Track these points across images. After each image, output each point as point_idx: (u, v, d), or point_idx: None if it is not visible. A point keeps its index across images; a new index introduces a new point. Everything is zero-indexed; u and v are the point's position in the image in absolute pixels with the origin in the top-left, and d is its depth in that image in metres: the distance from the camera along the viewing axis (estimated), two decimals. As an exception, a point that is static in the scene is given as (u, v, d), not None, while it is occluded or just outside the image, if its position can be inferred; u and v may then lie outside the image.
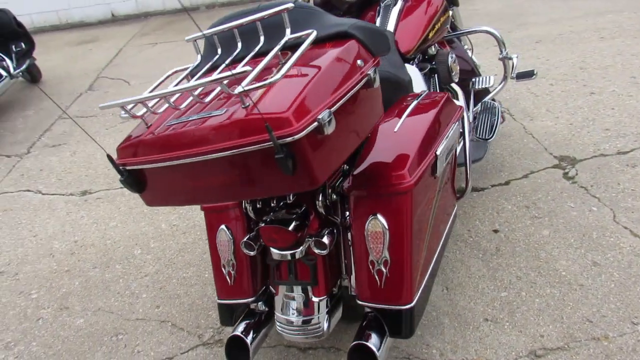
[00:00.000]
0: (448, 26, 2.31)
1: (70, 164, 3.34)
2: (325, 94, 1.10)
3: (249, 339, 1.50)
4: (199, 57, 1.40)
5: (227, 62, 1.30)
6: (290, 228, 1.35)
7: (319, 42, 1.29)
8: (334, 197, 1.38)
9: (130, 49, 5.83)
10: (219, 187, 1.13)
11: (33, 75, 4.92)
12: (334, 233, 1.39)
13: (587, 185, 2.32)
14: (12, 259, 2.40)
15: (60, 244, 2.47)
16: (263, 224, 1.38)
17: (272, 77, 1.04)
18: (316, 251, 1.35)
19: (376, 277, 1.34)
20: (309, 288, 1.42)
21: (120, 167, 1.20)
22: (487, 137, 2.33)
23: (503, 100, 3.23)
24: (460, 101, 2.34)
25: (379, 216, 1.31)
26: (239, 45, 1.33)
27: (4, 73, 4.17)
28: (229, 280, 1.57)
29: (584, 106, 3.03)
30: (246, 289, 1.54)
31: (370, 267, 1.34)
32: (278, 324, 1.46)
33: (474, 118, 2.46)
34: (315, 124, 1.02)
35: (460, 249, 2.06)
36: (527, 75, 2.54)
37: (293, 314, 1.43)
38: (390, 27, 2.11)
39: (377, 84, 1.27)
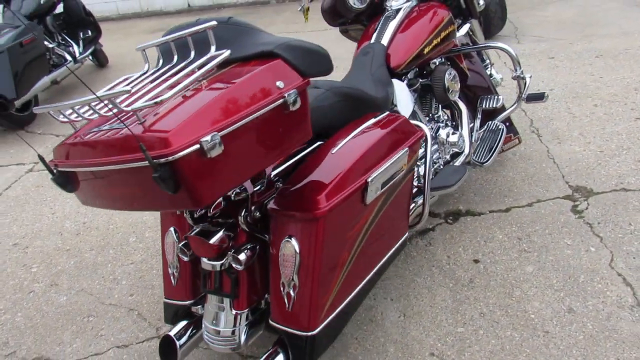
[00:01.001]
0: (453, 40, 2.19)
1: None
2: (220, 116, 1.09)
3: (181, 341, 1.55)
4: (147, 65, 1.45)
5: (157, 74, 1.33)
6: (213, 240, 1.37)
7: (245, 61, 1.29)
8: (257, 214, 1.38)
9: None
10: (120, 197, 1.17)
11: (100, 61, 5.29)
12: (256, 249, 1.39)
13: (593, 222, 2.13)
14: (28, 233, 2.62)
15: (71, 224, 2.67)
16: (191, 233, 1.42)
17: (163, 96, 1.07)
18: (233, 265, 1.36)
19: (285, 299, 1.33)
20: (230, 300, 1.44)
21: (52, 167, 1.27)
22: (482, 161, 2.20)
23: (536, 119, 3.03)
24: (463, 120, 2.24)
25: (293, 240, 1.30)
26: (175, 58, 1.36)
27: (69, 57, 4.52)
28: (172, 281, 1.62)
29: (623, 132, 2.76)
30: (185, 292, 1.59)
31: (282, 288, 1.33)
32: (204, 330, 1.49)
33: (477, 138, 2.33)
34: (197, 146, 1.02)
35: (432, 275, 1.98)
36: (538, 97, 2.36)
37: (214, 322, 1.46)
38: (385, 40, 2.05)
39: (296, 106, 1.24)
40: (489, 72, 2.58)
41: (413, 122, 1.75)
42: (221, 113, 1.10)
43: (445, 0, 2.36)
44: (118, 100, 1.10)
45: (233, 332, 1.43)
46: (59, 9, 4.68)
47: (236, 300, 1.43)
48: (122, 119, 1.15)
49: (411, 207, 1.82)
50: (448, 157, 2.19)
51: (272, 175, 1.43)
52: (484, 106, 2.37)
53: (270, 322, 1.38)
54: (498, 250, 2.06)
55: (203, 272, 1.48)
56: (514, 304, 1.80)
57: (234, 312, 1.43)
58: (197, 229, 1.43)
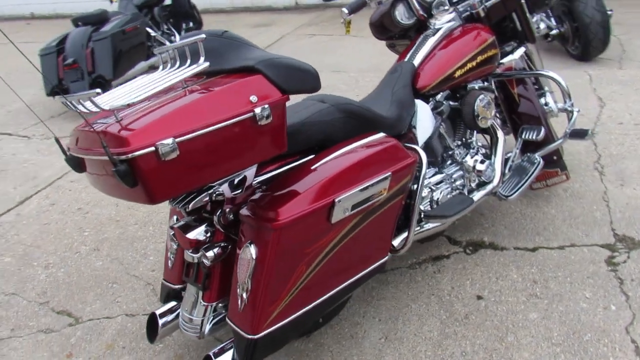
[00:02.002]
0: (494, 65, 2.10)
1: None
2: (184, 122, 1.19)
3: (164, 319, 1.69)
4: (160, 67, 1.58)
5: (152, 79, 1.44)
6: (189, 234, 1.48)
7: (229, 73, 1.37)
8: (231, 217, 1.47)
9: (291, 36, 6.32)
10: (102, 184, 1.32)
11: (201, 50, 5.69)
12: (227, 249, 1.48)
13: (626, 278, 1.94)
14: (91, 201, 2.95)
15: (128, 197, 2.96)
16: (175, 224, 1.54)
17: (133, 99, 1.19)
18: (203, 260, 1.46)
19: (239, 300, 1.40)
20: (201, 292, 1.54)
21: (66, 149, 1.46)
22: (506, 195, 2.09)
23: (605, 155, 2.77)
24: (498, 149, 2.14)
25: (252, 246, 1.37)
26: (168, 65, 1.46)
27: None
28: (169, 265, 1.76)
29: (701, 184, 2.45)
30: (177, 277, 1.72)
31: (238, 289, 1.41)
32: (180, 315, 1.62)
33: (510, 169, 2.21)
34: (152, 148, 1.13)
35: (428, 304, 1.93)
36: (580, 134, 2.18)
37: (186, 310, 1.58)
38: (418, 59, 2.02)
39: (268, 120, 1.30)
40: (544, 101, 2.42)
41: (413, 146, 1.73)
42: (185, 120, 1.19)
43: (500, 21, 2.26)
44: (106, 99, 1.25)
45: (197, 321, 1.54)
46: (168, 1, 5.13)
47: (207, 292, 1.53)
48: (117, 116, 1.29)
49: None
50: (473, 185, 2.11)
51: (253, 183, 1.50)
52: (523, 137, 2.24)
53: (227, 318, 1.46)
54: (507, 290, 1.96)
55: (185, 262, 1.61)
56: (502, 350, 1.70)
57: (203, 303, 1.54)
58: (182, 222, 1.56)
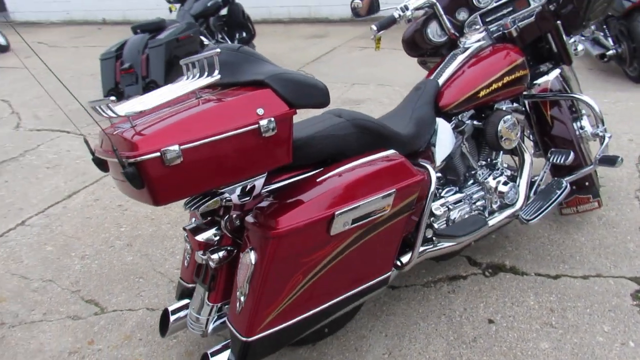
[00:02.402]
0: (523, 86, 2.06)
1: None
2: (190, 130, 1.27)
3: (175, 316, 1.78)
4: (184, 77, 1.67)
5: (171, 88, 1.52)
6: (198, 237, 1.56)
7: (242, 86, 1.44)
8: (237, 222, 1.53)
9: (342, 48, 6.39)
10: (118, 184, 1.42)
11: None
12: (232, 252, 1.54)
13: (650, 315, 1.84)
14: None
15: (165, 197, 3.10)
16: (188, 226, 1.63)
17: (146, 106, 1.28)
18: (209, 262, 1.53)
19: (237, 303, 1.46)
20: (207, 292, 1.61)
21: (93, 150, 1.58)
22: (527, 218, 2.03)
23: (648, 185, 2.64)
24: (524, 171, 2.11)
25: (252, 252, 1.42)
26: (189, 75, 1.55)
27: (222, 54, 5.12)
28: (185, 264, 1.85)
29: None
30: (189, 275, 1.80)
31: (238, 292, 1.46)
32: (188, 313, 1.70)
33: (535, 192, 2.16)
34: (158, 154, 1.21)
35: (438, 323, 1.91)
36: (609, 161, 2.09)
37: (193, 308, 1.65)
38: (443, 77, 2.02)
39: (273, 132, 1.35)
40: (579, 125, 2.34)
41: (425, 164, 1.73)
42: (192, 128, 1.27)
43: (536, 42, 2.22)
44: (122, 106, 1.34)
45: (202, 320, 1.61)
46: (224, 11, 5.34)
47: (212, 293, 1.60)
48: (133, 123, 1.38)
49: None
50: (495, 207, 2.07)
51: (262, 192, 1.55)
52: (551, 160, 2.18)
53: (226, 319, 1.52)
54: (521, 316, 1.91)
55: (196, 262, 1.69)
56: (506, 376, 1.67)
57: (208, 303, 1.60)
58: (194, 224, 1.64)
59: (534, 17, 2.11)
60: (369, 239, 1.54)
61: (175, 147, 1.22)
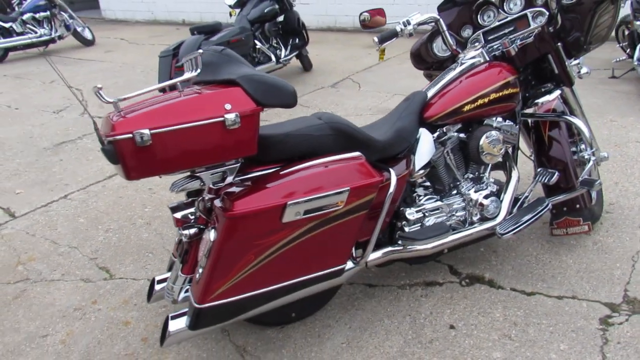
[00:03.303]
0: (512, 104, 2.10)
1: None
2: (162, 117, 1.47)
3: (160, 286, 2.00)
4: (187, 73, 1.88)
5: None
6: (177, 214, 1.77)
7: (219, 83, 1.63)
8: (208, 205, 1.72)
9: (394, 60, 6.48)
10: None
11: (305, 65, 6.12)
12: (202, 230, 1.73)
13: (612, 340, 1.84)
14: (161, 183, 3.40)
15: (191, 185, 3.37)
16: (170, 205, 1.84)
17: (129, 96, 1.51)
18: (182, 237, 1.73)
19: (197, 273, 1.64)
20: (181, 265, 1.81)
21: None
22: (501, 232, 2.07)
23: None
24: (509, 187, 2.16)
25: (213, 230, 1.61)
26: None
27: (273, 58, 5.40)
28: (176, 240, 2.07)
29: None
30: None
31: (198, 265, 1.65)
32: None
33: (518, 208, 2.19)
34: (130, 135, 1.43)
35: (401, 322, 2.00)
36: (589, 184, 2.08)
37: (170, 279, 1.86)
38: (433, 90, 2.12)
39: (236, 125, 1.53)
40: (578, 148, 2.34)
41: (390, 168, 1.84)
42: (165, 116, 1.48)
43: (540, 62, 2.26)
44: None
45: (174, 289, 1.81)
46: (280, 18, 5.61)
47: (185, 266, 1.80)
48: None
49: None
50: (475, 219, 2.14)
51: (235, 180, 1.72)
52: (537, 179, 2.20)
53: (189, 288, 1.71)
54: (483, 326, 1.96)
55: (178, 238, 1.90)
56: (449, 378, 1.74)
57: (181, 275, 1.81)
58: (176, 203, 1.85)
59: (532, 38, 2.15)
60: (323, 231, 1.68)
61: (146, 131, 1.43)
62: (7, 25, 7.86)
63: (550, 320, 1.96)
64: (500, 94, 2.07)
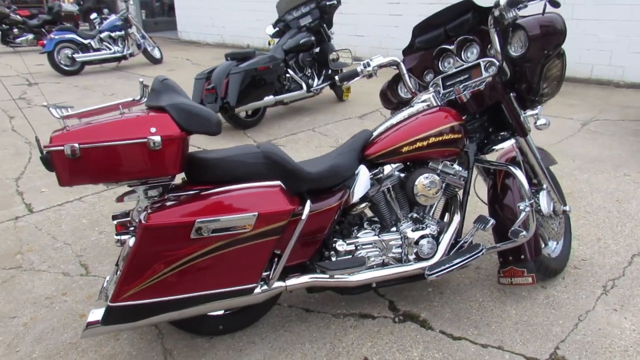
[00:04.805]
0: (455, 149, 2.15)
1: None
2: (92, 134, 1.69)
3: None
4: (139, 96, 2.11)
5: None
6: (115, 221, 1.99)
7: (154, 109, 1.83)
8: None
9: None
10: None
11: (338, 96, 6.31)
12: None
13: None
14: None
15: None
16: (114, 213, 2.06)
17: (75, 112, 1.76)
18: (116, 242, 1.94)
19: (115, 275, 1.83)
20: (116, 267, 2.01)
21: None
22: (426, 273, 2.10)
23: (635, 278, 2.47)
24: (448, 230, 2.21)
25: (133, 237, 1.80)
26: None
27: (304, 87, 5.63)
28: (131, 247, 2.28)
29: None
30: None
31: (119, 266, 1.84)
32: (110, 281, 2.12)
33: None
34: (61, 147, 1.66)
35: (320, 348, 2.08)
36: (514, 234, 2.06)
37: (108, 279, 2.06)
38: (379, 129, 2.22)
39: (158, 147, 1.72)
40: (534, 199, 2.33)
41: (307, 198, 1.95)
42: (97, 133, 1.70)
43: (496, 110, 2.29)
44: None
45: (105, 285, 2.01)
46: (316, 50, 5.86)
47: (117, 268, 2.00)
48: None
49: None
50: (411, 257, 2.19)
51: (168, 196, 1.91)
52: (476, 226, 2.21)
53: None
54: (396, 362, 2.00)
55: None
56: (341, 406, 1.80)
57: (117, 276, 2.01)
58: (118, 212, 2.06)
59: (483, 86, 2.20)
60: (232, 250, 1.82)
61: (76, 145, 1.66)
62: (86, 41, 8.72)
63: (464, 366, 1.96)
64: (441, 138, 2.12)
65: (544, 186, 2.39)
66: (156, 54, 9.65)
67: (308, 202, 1.95)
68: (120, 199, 1.94)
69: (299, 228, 1.93)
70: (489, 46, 2.22)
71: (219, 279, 1.87)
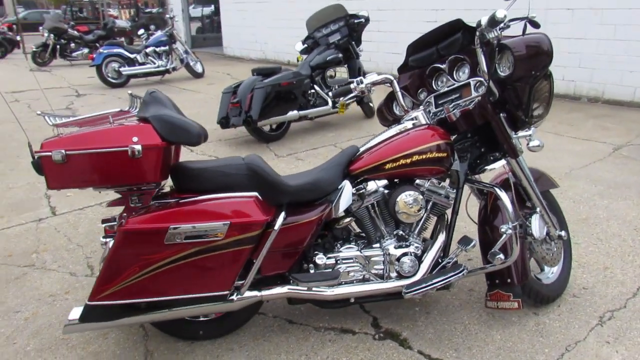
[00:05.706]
0: (440, 167, 2.13)
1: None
2: (80, 142, 1.81)
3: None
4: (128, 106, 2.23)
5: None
6: (105, 224, 2.10)
7: (140, 120, 1.93)
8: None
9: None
10: None
11: (366, 112, 6.35)
12: (120, 239, 2.03)
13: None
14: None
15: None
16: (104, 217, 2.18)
17: (64, 120, 1.88)
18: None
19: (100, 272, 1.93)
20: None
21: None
22: (404, 291, 2.08)
23: (636, 310, 2.36)
24: (432, 249, 2.20)
25: (112, 240, 1.89)
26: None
27: (330, 102, 5.69)
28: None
29: None
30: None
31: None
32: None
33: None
34: (49, 153, 1.78)
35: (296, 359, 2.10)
36: (492, 257, 2.01)
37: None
38: (366, 145, 2.24)
39: (139, 156, 1.81)
40: (526, 222, 2.27)
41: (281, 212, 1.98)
42: (83, 140, 1.81)
43: (489, 130, 2.26)
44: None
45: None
46: (344, 67, 5.93)
47: (102, 268, 2.10)
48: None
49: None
50: (393, 275, 2.18)
51: (153, 203, 2.00)
52: (460, 246, 2.18)
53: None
54: (367, 379, 1.98)
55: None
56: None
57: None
58: (109, 217, 2.16)
59: (473, 106, 2.18)
60: (205, 257, 1.89)
61: (62, 151, 1.78)
62: (132, 56, 9.17)
63: (434, 388, 1.93)
64: (425, 156, 2.12)
65: (537, 209, 2.33)
66: (198, 68, 10.00)
67: (282, 214, 1.99)
68: (111, 203, 2.05)
69: (270, 239, 1.97)
70: (478, 66, 2.21)
71: (193, 284, 1.93)
